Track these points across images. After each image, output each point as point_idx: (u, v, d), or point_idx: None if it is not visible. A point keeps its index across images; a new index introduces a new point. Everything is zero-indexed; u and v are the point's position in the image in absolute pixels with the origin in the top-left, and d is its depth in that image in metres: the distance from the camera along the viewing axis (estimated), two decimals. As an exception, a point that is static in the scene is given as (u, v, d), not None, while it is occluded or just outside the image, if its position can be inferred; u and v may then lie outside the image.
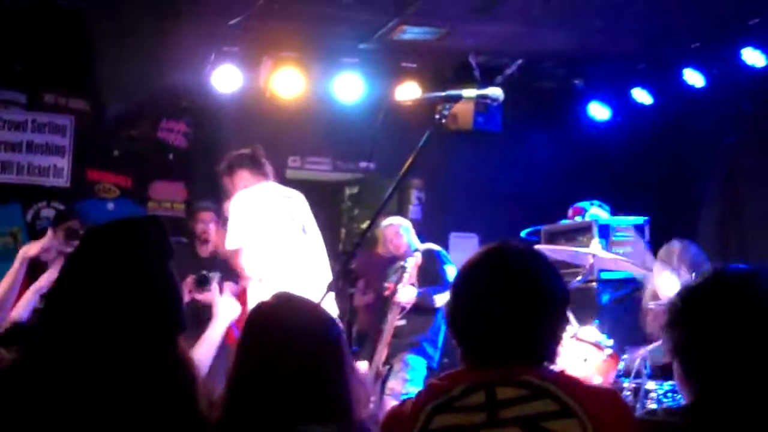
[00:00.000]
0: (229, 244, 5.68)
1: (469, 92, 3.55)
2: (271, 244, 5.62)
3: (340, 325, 2.48)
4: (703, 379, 2.23)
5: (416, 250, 7.09)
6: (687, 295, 2.32)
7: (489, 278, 2.34)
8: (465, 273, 2.41)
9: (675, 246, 5.71)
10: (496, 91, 3.55)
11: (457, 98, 3.50)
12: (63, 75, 8.42)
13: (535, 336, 2.29)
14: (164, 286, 2.12)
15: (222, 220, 7.11)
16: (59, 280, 2.12)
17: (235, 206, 5.72)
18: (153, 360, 2.00)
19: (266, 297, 2.52)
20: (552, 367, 2.33)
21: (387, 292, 7.13)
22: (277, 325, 2.41)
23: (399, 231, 7.29)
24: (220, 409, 2.32)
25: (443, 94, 3.53)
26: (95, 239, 2.13)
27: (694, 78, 8.09)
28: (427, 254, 7.04)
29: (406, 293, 6.80)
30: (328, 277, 5.63)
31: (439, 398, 2.22)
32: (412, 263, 6.83)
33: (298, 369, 2.30)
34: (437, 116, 3.40)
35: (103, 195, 8.59)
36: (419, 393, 2.32)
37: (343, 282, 3.26)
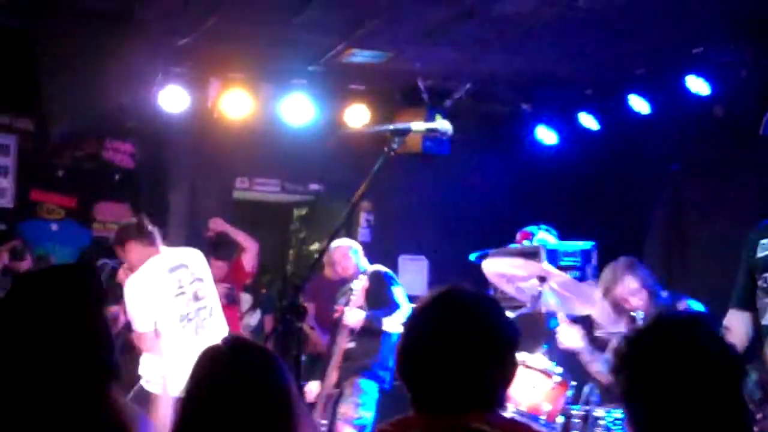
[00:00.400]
0: (135, 329, 5.89)
1: (418, 125, 3.55)
2: (165, 325, 5.79)
3: (287, 368, 2.44)
4: (646, 425, 2.23)
5: (364, 272, 7.07)
6: (632, 340, 2.31)
7: (437, 323, 2.31)
8: (413, 317, 2.39)
9: (622, 261, 5.75)
10: (444, 125, 3.56)
11: (406, 131, 3.49)
12: (7, 94, 8.28)
13: (485, 381, 2.27)
14: (95, 334, 2.08)
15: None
16: None
17: (129, 294, 5.84)
18: (82, 408, 1.95)
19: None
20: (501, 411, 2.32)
21: (336, 315, 7.10)
22: (224, 371, 2.37)
23: (347, 253, 7.26)
24: None
25: (392, 127, 3.53)
26: (25, 286, 2.11)
27: (639, 104, 8.19)
28: (375, 276, 7.03)
29: (354, 316, 6.79)
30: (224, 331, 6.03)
31: None
32: (360, 285, 6.81)
33: (246, 417, 2.26)
34: (387, 149, 3.40)
35: (47, 216, 8.47)
36: None
37: (291, 315, 3.23)
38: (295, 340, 3.32)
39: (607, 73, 8.23)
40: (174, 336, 5.76)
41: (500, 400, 2.32)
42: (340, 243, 7.30)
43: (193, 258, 6.12)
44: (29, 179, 8.49)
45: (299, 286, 3.27)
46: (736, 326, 4.36)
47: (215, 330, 5.94)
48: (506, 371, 2.33)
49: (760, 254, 4.33)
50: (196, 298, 5.97)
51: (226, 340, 2.48)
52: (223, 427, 2.27)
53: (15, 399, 1.91)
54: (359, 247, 7.41)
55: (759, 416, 3.87)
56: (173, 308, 5.83)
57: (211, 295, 6.08)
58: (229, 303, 7.73)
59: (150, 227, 6.06)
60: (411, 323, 2.38)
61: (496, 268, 6.54)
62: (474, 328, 2.29)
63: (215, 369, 2.38)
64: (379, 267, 7.30)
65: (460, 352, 2.25)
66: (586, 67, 8.09)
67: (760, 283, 4.30)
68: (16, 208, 8.39)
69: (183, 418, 2.34)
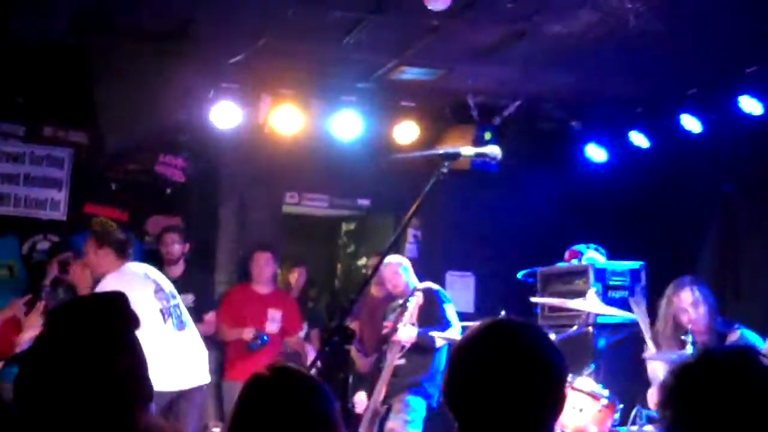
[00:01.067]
0: None
1: (468, 150, 3.58)
2: (147, 320, 5.96)
3: (330, 394, 2.48)
4: None
5: (415, 288, 7.08)
6: (679, 374, 2.30)
7: (486, 354, 2.31)
8: (462, 347, 2.39)
9: (686, 276, 5.77)
10: (494, 150, 3.58)
11: (456, 156, 3.52)
12: (63, 108, 8.45)
13: (534, 414, 2.27)
14: (126, 362, 2.13)
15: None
16: (29, 359, 2.17)
17: (110, 287, 5.93)
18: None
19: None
20: None
21: (385, 330, 7.12)
22: (268, 397, 2.41)
23: (398, 271, 7.28)
24: None
25: (442, 152, 3.55)
26: (59, 319, 2.17)
27: (691, 124, 8.12)
28: (428, 293, 7.04)
29: (407, 332, 6.81)
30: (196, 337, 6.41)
31: None
32: (414, 303, 6.83)
33: None
34: (437, 172, 3.42)
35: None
36: None
37: (338, 337, 3.25)
38: (342, 361, 3.35)
39: (658, 92, 8.18)
40: (157, 331, 5.94)
41: (552, 427, 2.32)
42: (390, 260, 7.32)
43: (160, 275, 6.49)
44: (83, 192, 8.63)
45: (347, 309, 3.29)
46: None
47: (193, 328, 6.38)
48: (554, 403, 2.32)
49: None
50: (173, 296, 6.29)
51: (270, 368, 2.51)
52: None
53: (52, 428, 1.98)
54: (409, 264, 7.43)
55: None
56: (154, 303, 6.07)
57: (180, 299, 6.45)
58: None
59: (129, 251, 6.29)
60: (460, 352, 2.38)
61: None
62: (522, 360, 2.28)
63: (260, 395, 2.43)
64: (431, 284, 7.31)
65: (509, 384, 2.25)
66: (638, 86, 8.04)
67: None
68: (70, 220, 8.52)
69: None
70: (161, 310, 6.10)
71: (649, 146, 8.72)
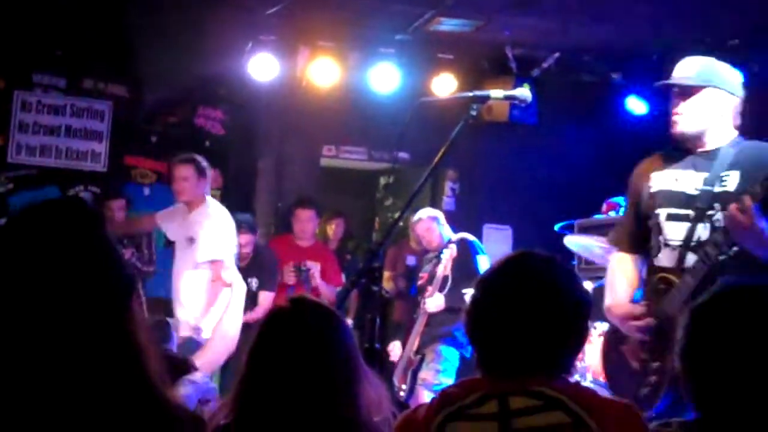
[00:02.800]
0: (211, 255, 6.10)
1: (497, 93, 3.56)
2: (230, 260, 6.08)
3: (348, 327, 2.51)
4: (708, 396, 2.16)
5: (450, 240, 7.06)
6: (694, 309, 2.28)
7: (508, 287, 2.32)
8: (484, 281, 2.41)
9: None
10: (524, 92, 3.56)
11: (485, 98, 3.50)
12: (103, 60, 8.51)
13: (553, 347, 2.28)
14: (105, 254, 1.91)
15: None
16: None
17: (214, 218, 6.13)
18: (105, 329, 1.90)
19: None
20: (571, 376, 2.33)
21: (420, 282, 7.15)
22: (286, 326, 2.45)
23: (431, 226, 7.24)
24: (228, 411, 2.37)
25: (471, 94, 3.54)
26: (16, 226, 1.92)
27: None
28: (461, 245, 7.02)
29: (434, 302, 6.84)
30: None
31: (451, 406, 2.23)
32: (448, 255, 6.82)
33: (308, 373, 2.33)
34: (466, 115, 3.41)
35: (140, 180, 8.67)
36: (432, 400, 2.32)
37: (367, 279, 3.28)
38: (371, 303, 3.37)
39: (699, 42, 8.06)
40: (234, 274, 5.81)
41: (567, 367, 2.32)
42: (421, 215, 7.30)
43: None
44: (123, 144, 8.70)
45: (375, 251, 3.31)
46: None
47: None
48: (576, 338, 2.33)
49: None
50: None
51: (290, 299, 2.56)
52: (286, 381, 2.34)
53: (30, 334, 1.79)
54: (441, 216, 7.40)
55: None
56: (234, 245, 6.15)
57: None
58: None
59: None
60: (482, 286, 2.40)
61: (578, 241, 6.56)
62: (544, 294, 2.29)
63: (278, 325, 2.47)
64: (466, 235, 7.28)
65: (530, 316, 2.26)
66: (678, 36, 7.93)
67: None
68: (110, 172, 8.61)
69: (248, 372, 2.43)
70: (234, 254, 6.29)
71: (690, 98, 8.61)
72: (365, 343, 3.18)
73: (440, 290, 6.88)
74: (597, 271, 7.34)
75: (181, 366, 3.19)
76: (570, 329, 2.31)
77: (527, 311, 2.27)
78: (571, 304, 2.32)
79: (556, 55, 8.70)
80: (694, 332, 2.19)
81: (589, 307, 2.37)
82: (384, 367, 7.30)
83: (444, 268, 6.80)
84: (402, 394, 6.94)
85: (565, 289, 2.33)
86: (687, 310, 2.26)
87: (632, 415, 2.23)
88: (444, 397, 2.29)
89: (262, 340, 2.45)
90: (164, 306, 8.20)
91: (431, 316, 6.92)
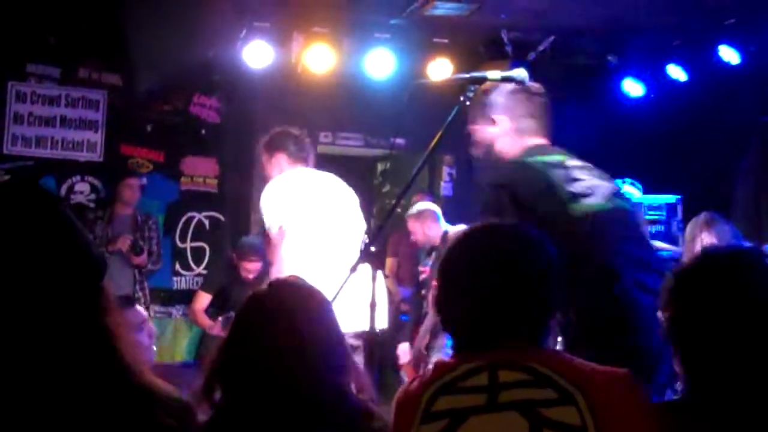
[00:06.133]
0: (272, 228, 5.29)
1: (494, 74, 3.53)
2: (299, 234, 5.22)
3: (331, 309, 2.49)
4: (693, 362, 2.21)
5: (446, 232, 7.05)
6: (679, 275, 2.29)
7: (468, 259, 2.32)
8: (446, 257, 2.38)
9: (701, 218, 5.72)
10: (521, 73, 3.53)
11: (482, 80, 3.48)
12: (96, 49, 8.47)
13: (524, 312, 2.25)
14: (65, 234, 1.85)
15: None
16: None
17: (267, 193, 5.37)
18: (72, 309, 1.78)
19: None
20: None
21: (423, 276, 7.13)
22: (263, 307, 2.43)
23: (427, 222, 7.23)
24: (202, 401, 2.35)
25: (468, 75, 3.52)
26: None
27: (729, 55, 7.99)
28: None
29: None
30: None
31: (444, 377, 2.21)
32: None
33: (283, 351, 2.32)
34: (462, 97, 3.39)
35: (136, 170, 8.64)
36: (425, 372, 2.30)
37: (366, 263, 3.26)
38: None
39: (696, 23, 8.04)
40: (306, 248, 5.16)
41: (546, 330, 2.30)
42: (419, 209, 7.27)
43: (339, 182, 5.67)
44: (118, 134, 8.67)
45: (374, 236, 3.28)
46: None
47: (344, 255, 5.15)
48: (546, 300, 2.30)
49: None
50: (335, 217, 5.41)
51: (269, 283, 2.54)
52: (264, 362, 2.32)
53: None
54: (438, 210, 7.39)
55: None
56: (310, 219, 5.24)
57: (351, 221, 5.53)
58: None
59: (307, 146, 5.68)
60: (444, 263, 2.37)
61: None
62: (505, 260, 2.28)
63: (255, 306, 2.46)
64: (462, 227, 7.25)
65: (493, 285, 2.24)
66: (675, 17, 7.90)
67: None
68: (106, 162, 8.58)
69: (224, 355, 2.41)
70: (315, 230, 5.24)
71: (686, 79, 8.61)
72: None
73: None
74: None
75: None
76: (539, 291, 2.28)
77: (491, 280, 2.24)
78: (537, 266, 2.29)
79: (552, 38, 8.66)
80: (679, 297, 2.20)
81: (556, 267, 2.31)
82: (384, 353, 7.31)
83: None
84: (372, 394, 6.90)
85: (530, 252, 2.31)
86: (671, 276, 2.26)
87: (627, 384, 2.17)
88: (438, 367, 2.27)
89: (239, 321, 2.44)
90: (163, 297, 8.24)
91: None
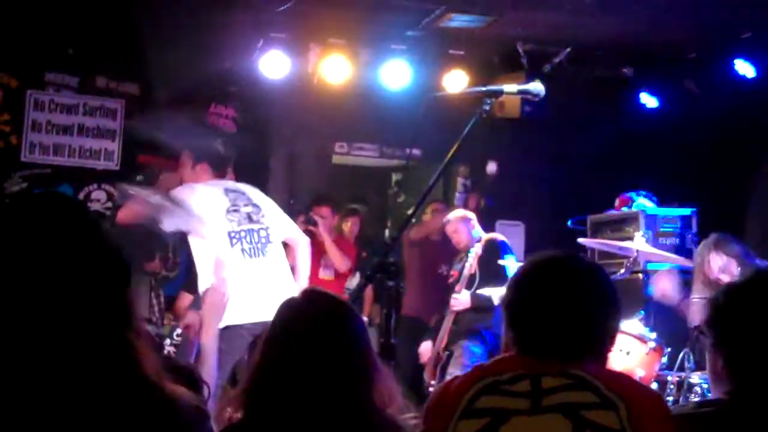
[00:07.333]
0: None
1: (510, 87, 3.56)
2: (211, 238, 5.48)
3: (365, 321, 2.54)
4: (742, 374, 2.32)
5: (479, 239, 7.11)
6: (731, 292, 2.39)
7: (556, 276, 2.42)
8: (533, 266, 2.48)
9: (710, 239, 5.76)
10: (537, 86, 3.55)
11: (499, 93, 3.51)
12: (114, 59, 8.54)
13: (591, 336, 2.36)
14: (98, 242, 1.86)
15: None
16: None
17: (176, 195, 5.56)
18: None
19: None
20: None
21: (450, 280, 7.19)
22: (298, 317, 2.47)
23: (458, 227, 7.31)
24: (238, 405, 2.38)
25: (484, 89, 3.55)
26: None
27: (745, 69, 7.99)
28: (489, 245, 7.05)
29: (460, 301, 6.86)
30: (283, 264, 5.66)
31: (486, 379, 2.29)
32: (473, 254, 6.87)
33: (320, 363, 2.35)
34: (479, 110, 3.41)
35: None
36: (468, 372, 2.38)
37: (382, 274, 3.28)
38: (386, 298, 3.37)
39: (711, 37, 8.04)
40: (221, 252, 5.34)
41: (601, 358, 2.39)
42: (450, 218, 7.40)
43: (254, 190, 5.87)
44: (135, 143, 8.72)
45: (390, 246, 3.31)
46: None
47: (275, 258, 5.58)
48: (611, 331, 2.42)
49: None
50: (250, 219, 5.58)
51: (302, 291, 2.60)
52: (299, 370, 2.36)
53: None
54: (473, 216, 7.44)
55: None
56: (222, 223, 5.46)
57: (272, 226, 5.68)
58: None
59: (226, 168, 5.91)
60: (530, 269, 2.48)
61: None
62: (589, 286, 2.40)
63: (290, 315, 2.50)
64: (496, 236, 7.32)
65: (573, 305, 2.36)
66: (690, 31, 7.92)
67: None
68: (123, 170, 8.63)
69: (260, 364, 2.44)
70: (229, 233, 5.47)
71: (702, 92, 8.60)
72: (380, 338, 3.19)
73: (467, 288, 6.91)
74: (609, 267, 7.34)
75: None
76: (609, 321, 2.41)
77: (573, 300, 2.36)
78: (613, 300, 2.43)
79: (568, 50, 8.67)
80: (729, 306, 2.33)
81: (618, 305, 2.44)
82: (399, 363, 7.34)
83: (471, 266, 6.84)
84: (431, 389, 6.96)
85: (608, 286, 2.45)
86: (721, 294, 2.40)
87: (661, 405, 2.29)
88: (479, 370, 2.35)
89: (275, 331, 2.47)
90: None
91: (459, 314, 6.95)
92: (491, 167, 9.05)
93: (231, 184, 5.81)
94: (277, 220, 5.77)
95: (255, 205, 5.70)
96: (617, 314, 2.43)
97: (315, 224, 7.80)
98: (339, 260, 7.96)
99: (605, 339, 2.40)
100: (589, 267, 2.49)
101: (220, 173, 5.83)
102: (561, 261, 2.48)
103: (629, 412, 2.16)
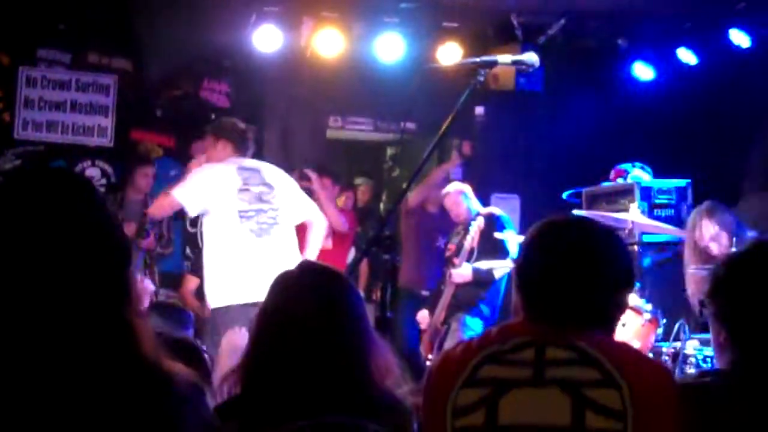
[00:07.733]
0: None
1: (505, 58, 3.54)
2: (220, 216, 5.56)
3: (361, 293, 2.54)
4: (745, 345, 2.33)
5: (478, 214, 7.10)
6: (731, 263, 2.39)
7: (569, 239, 2.36)
8: (545, 228, 2.42)
9: (702, 206, 5.76)
10: (531, 57, 3.53)
11: (493, 64, 3.48)
12: (107, 34, 8.49)
13: (599, 303, 2.32)
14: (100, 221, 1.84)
15: None
16: None
17: (191, 175, 5.75)
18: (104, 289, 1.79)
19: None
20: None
21: (448, 253, 7.20)
22: (293, 288, 2.48)
23: (458, 199, 7.31)
24: (236, 378, 2.39)
25: (479, 60, 3.52)
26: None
27: (740, 39, 7.96)
28: (488, 219, 7.05)
29: (460, 274, 6.87)
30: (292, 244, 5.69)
31: (490, 348, 2.26)
32: (475, 228, 6.87)
33: (318, 335, 2.36)
34: (473, 81, 3.40)
35: (147, 155, 8.64)
36: (471, 340, 2.34)
37: (377, 247, 3.27)
38: (382, 271, 3.37)
39: (706, 7, 8.00)
40: (230, 231, 5.47)
41: (608, 327, 2.36)
42: (449, 189, 7.39)
43: (270, 169, 5.87)
44: (128, 119, 8.69)
45: (384, 219, 3.30)
46: None
47: (281, 239, 5.60)
48: (620, 301, 2.38)
49: None
50: (260, 199, 5.61)
51: (298, 264, 2.60)
52: (296, 343, 2.37)
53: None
54: (469, 190, 7.43)
55: None
56: (233, 202, 5.51)
57: (283, 207, 5.70)
58: None
59: (250, 140, 5.96)
60: (541, 232, 2.41)
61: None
62: (602, 253, 2.35)
63: (285, 288, 2.50)
64: (494, 210, 7.33)
65: (585, 269, 2.31)
66: (685, 1, 7.88)
67: None
68: (116, 147, 8.61)
69: (258, 335, 2.46)
70: (239, 212, 5.50)
71: (697, 63, 8.58)
72: (376, 311, 3.19)
73: (467, 261, 6.92)
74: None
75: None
76: (618, 291, 2.36)
77: (585, 265, 2.31)
78: (624, 270, 2.38)
79: (562, 21, 8.63)
80: (733, 283, 2.34)
81: (632, 276, 2.42)
82: (396, 335, 7.35)
83: (471, 240, 6.85)
84: (428, 362, 6.97)
85: (621, 255, 2.40)
86: (722, 265, 2.41)
87: (666, 377, 2.26)
88: (484, 338, 2.32)
89: (270, 305, 2.47)
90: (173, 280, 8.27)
91: (457, 287, 6.96)
92: (479, 110, 9.01)
93: (248, 162, 5.79)
94: (290, 201, 5.77)
95: (268, 185, 5.70)
96: (630, 283, 2.39)
97: (309, 179, 7.75)
98: (336, 218, 7.80)
99: (615, 308, 2.36)
100: (605, 232, 2.43)
101: (241, 150, 5.81)
102: (577, 223, 2.46)
103: (632, 392, 2.12)
